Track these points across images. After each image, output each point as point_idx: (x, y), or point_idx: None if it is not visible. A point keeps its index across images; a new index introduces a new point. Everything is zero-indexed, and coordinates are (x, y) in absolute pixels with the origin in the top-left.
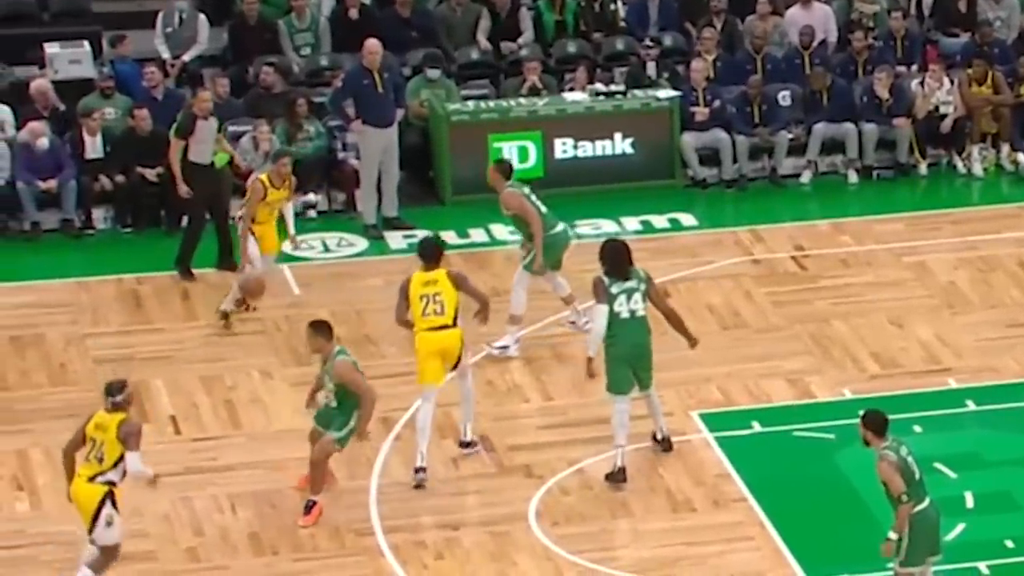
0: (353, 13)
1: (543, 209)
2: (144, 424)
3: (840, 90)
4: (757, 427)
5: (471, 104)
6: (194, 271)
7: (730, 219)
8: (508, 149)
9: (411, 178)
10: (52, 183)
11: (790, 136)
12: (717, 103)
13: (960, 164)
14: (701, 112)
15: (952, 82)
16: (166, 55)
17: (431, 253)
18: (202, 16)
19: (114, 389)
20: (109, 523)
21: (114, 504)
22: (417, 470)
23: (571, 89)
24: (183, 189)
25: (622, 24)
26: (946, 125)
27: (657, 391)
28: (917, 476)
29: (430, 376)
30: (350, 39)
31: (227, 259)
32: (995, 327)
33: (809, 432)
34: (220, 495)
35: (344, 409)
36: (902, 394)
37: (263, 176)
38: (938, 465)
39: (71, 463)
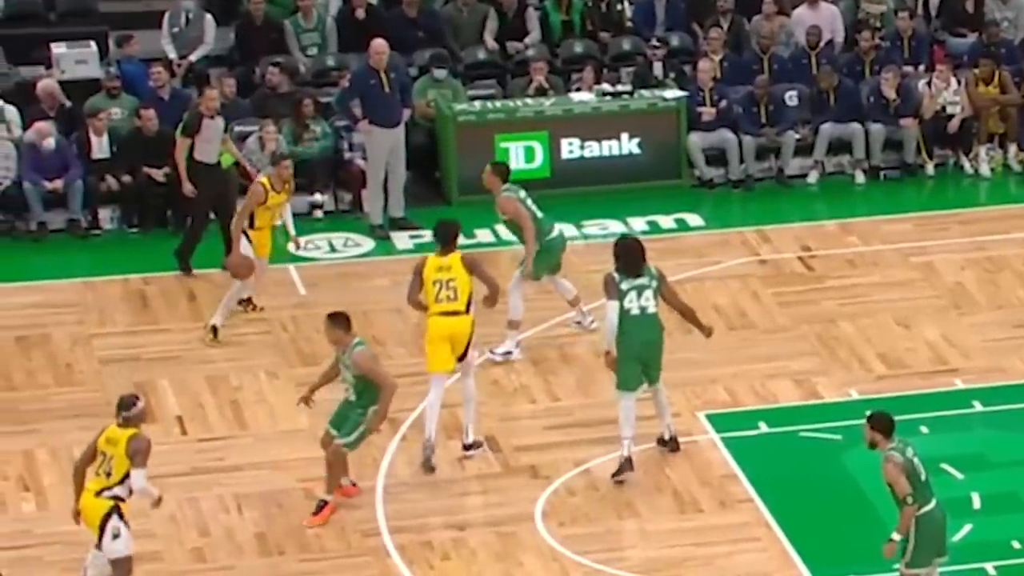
0: (360, 13)
1: (539, 214)
2: (150, 424)
3: (847, 90)
4: (764, 428)
5: (478, 104)
6: (200, 272)
7: (737, 219)
8: (515, 149)
9: (417, 178)
10: (58, 183)
11: (797, 136)
12: (724, 103)
13: (967, 164)
14: (708, 112)
15: (959, 82)
16: (172, 55)
17: (447, 236)
18: (208, 16)
19: (126, 404)
20: (116, 535)
21: (121, 517)
22: (425, 447)
23: (578, 89)
24: (188, 188)
25: (629, 24)
26: (953, 125)
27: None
28: (923, 477)
29: (439, 363)
30: (357, 39)
31: None
32: (1002, 327)
33: (816, 433)
34: (226, 495)
35: (362, 403)
36: (909, 395)
37: (263, 179)
38: (945, 466)
39: (81, 478)
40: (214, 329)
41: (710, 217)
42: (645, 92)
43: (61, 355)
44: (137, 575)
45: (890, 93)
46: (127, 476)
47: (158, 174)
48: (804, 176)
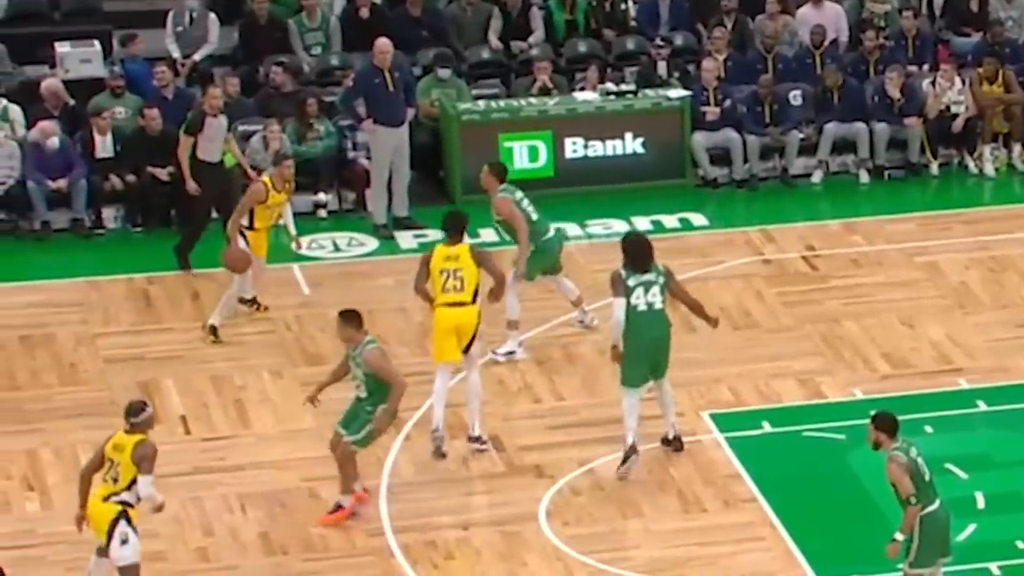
0: (364, 12)
1: (534, 216)
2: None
3: (851, 90)
4: (767, 427)
5: (482, 104)
6: (204, 271)
7: (741, 219)
8: (518, 149)
9: (421, 178)
10: (62, 182)
11: (801, 136)
12: (728, 103)
13: (972, 164)
14: (712, 112)
15: (964, 82)
16: (176, 54)
17: (455, 226)
18: (212, 15)
19: (134, 410)
20: (124, 541)
21: (129, 523)
22: (434, 431)
23: (582, 89)
24: (192, 186)
25: (633, 23)
26: (957, 125)
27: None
28: (927, 477)
29: (446, 354)
30: (361, 38)
31: None
32: (1006, 327)
33: (820, 432)
34: (230, 495)
35: (372, 400)
36: (913, 394)
37: (265, 178)
38: (949, 466)
39: (87, 485)
40: (213, 329)
41: (714, 217)
42: (649, 92)
43: (65, 355)
44: (141, 574)
45: (894, 92)
46: (134, 482)
47: (162, 173)
48: (808, 176)
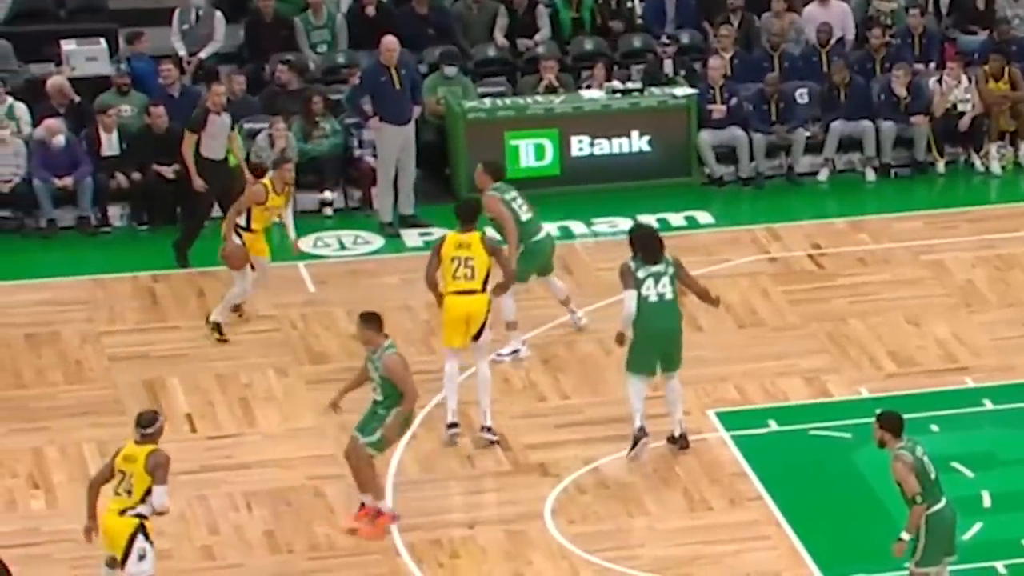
0: (370, 10)
1: (524, 217)
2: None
3: (858, 88)
4: (773, 426)
5: (488, 102)
6: (209, 270)
7: (747, 217)
8: (524, 147)
9: (427, 176)
10: (68, 180)
11: (807, 134)
12: (734, 101)
13: (978, 162)
14: (718, 110)
15: (970, 80)
16: (182, 52)
17: (468, 213)
18: (218, 13)
19: (146, 421)
20: (142, 556)
21: (147, 537)
22: (449, 426)
23: (588, 87)
24: (198, 183)
25: (639, 21)
26: (964, 123)
27: None
28: (933, 476)
29: (455, 341)
30: (367, 36)
31: None
32: (1012, 326)
33: (826, 431)
34: (235, 493)
35: (386, 403)
36: (919, 393)
37: (266, 180)
38: (955, 464)
39: (95, 496)
40: (217, 326)
41: (720, 215)
42: (655, 89)
43: (71, 353)
44: None
45: (901, 91)
46: (148, 493)
47: (168, 171)
48: (814, 174)
